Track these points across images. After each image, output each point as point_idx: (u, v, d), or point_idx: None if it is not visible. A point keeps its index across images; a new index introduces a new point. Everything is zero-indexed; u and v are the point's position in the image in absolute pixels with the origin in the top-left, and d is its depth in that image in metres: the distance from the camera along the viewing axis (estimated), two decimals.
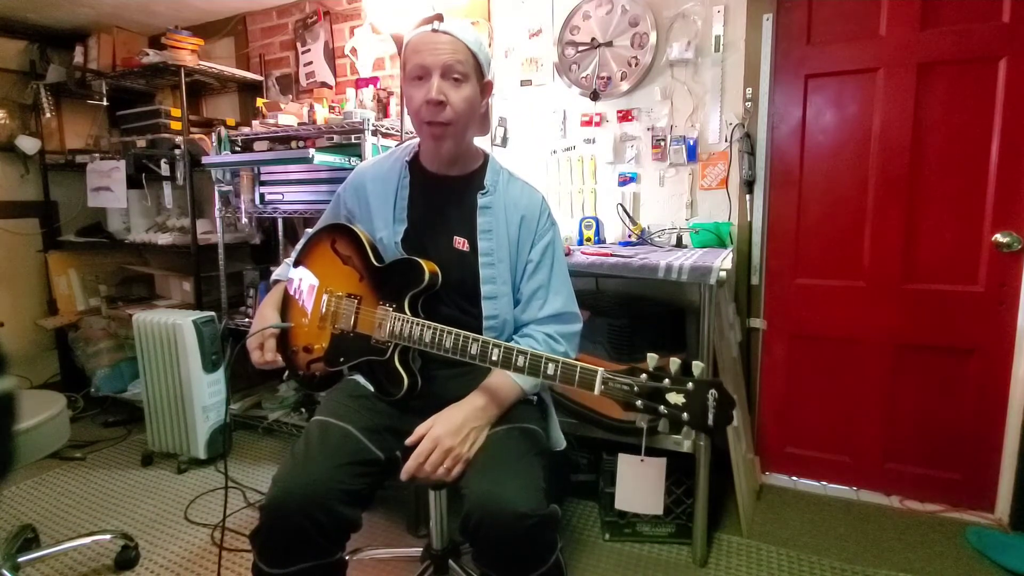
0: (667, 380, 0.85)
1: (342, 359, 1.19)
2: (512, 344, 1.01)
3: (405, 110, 1.40)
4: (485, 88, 1.17)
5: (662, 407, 0.84)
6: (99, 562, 1.74)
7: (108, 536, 1.76)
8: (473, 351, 1.02)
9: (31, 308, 2.98)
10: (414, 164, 1.24)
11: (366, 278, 1.19)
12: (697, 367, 0.84)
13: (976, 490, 1.92)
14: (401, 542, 1.80)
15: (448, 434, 1.03)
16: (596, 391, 0.88)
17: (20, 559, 1.63)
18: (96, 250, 3.03)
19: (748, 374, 2.16)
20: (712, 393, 0.81)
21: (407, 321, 1.10)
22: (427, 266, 1.13)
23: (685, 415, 0.82)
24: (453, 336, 1.04)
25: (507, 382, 1.12)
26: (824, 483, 2.13)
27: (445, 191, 1.21)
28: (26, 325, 2.94)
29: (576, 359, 0.99)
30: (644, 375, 0.86)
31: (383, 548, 1.73)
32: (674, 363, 0.85)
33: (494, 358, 1.01)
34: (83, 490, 2.19)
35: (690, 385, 0.83)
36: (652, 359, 0.85)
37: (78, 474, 2.31)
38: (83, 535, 1.76)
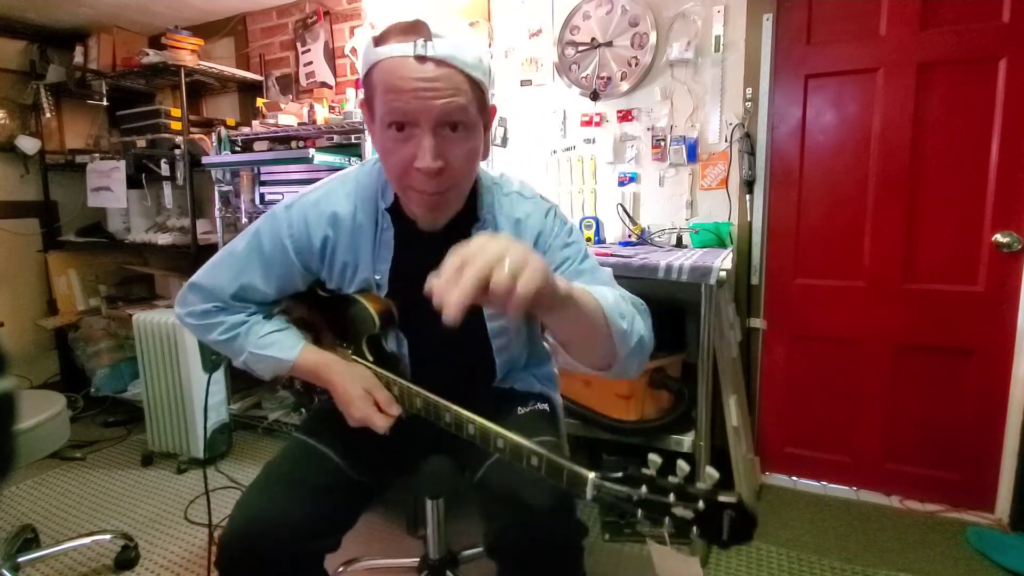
0: (672, 495, 0.67)
1: (318, 388, 1.04)
2: (491, 426, 0.78)
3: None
4: (490, 117, 0.89)
5: (667, 519, 0.69)
6: (99, 562, 1.74)
7: (108, 536, 1.76)
8: (447, 419, 0.84)
9: (31, 308, 2.98)
10: (396, 214, 0.94)
11: (315, 308, 1.06)
12: (711, 477, 0.65)
13: (976, 490, 1.92)
14: (400, 543, 1.81)
15: (483, 245, 0.61)
16: (588, 498, 0.72)
17: (20, 559, 1.63)
18: (96, 250, 3.03)
19: (748, 374, 2.16)
20: (728, 514, 0.65)
21: (369, 369, 0.97)
22: (372, 308, 0.95)
23: (695, 529, 0.67)
24: (421, 399, 0.89)
25: (585, 291, 0.77)
26: (824, 483, 2.13)
27: (439, 246, 0.91)
28: (26, 325, 2.94)
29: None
30: (644, 486, 0.68)
31: (379, 559, 1.70)
32: (681, 469, 0.67)
33: (470, 432, 0.81)
34: (83, 490, 2.19)
35: (701, 504, 0.66)
36: (654, 463, 0.67)
37: (78, 474, 2.31)
38: (83, 535, 1.76)
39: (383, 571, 1.69)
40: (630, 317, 0.82)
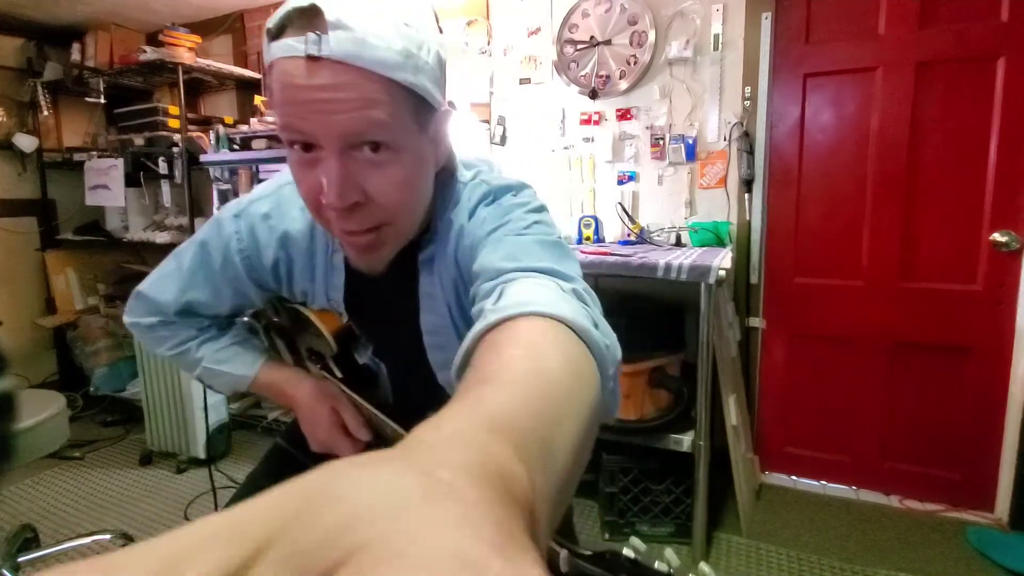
0: None
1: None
2: None
3: None
4: (441, 123, 0.64)
5: None
6: None
7: (108, 536, 1.76)
8: None
9: (29, 307, 2.97)
10: None
11: (287, 312, 0.95)
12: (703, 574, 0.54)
13: (976, 490, 1.92)
14: None
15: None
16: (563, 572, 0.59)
17: (20, 559, 1.63)
18: (94, 248, 3.03)
19: (747, 373, 2.16)
20: None
21: (341, 389, 0.88)
22: (327, 329, 0.83)
23: None
24: (390, 428, 0.77)
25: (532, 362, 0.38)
26: (824, 483, 2.13)
27: (390, 276, 0.76)
28: (24, 324, 2.94)
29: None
30: (624, 574, 0.56)
31: None
32: (670, 560, 0.54)
33: None
34: (82, 490, 2.19)
35: None
36: (635, 547, 0.56)
37: (77, 474, 2.31)
38: (83, 535, 1.76)
39: None
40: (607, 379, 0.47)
